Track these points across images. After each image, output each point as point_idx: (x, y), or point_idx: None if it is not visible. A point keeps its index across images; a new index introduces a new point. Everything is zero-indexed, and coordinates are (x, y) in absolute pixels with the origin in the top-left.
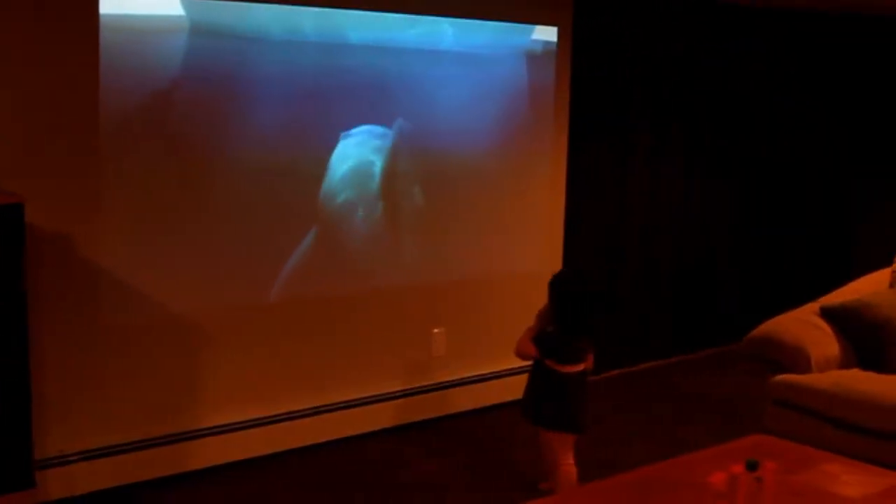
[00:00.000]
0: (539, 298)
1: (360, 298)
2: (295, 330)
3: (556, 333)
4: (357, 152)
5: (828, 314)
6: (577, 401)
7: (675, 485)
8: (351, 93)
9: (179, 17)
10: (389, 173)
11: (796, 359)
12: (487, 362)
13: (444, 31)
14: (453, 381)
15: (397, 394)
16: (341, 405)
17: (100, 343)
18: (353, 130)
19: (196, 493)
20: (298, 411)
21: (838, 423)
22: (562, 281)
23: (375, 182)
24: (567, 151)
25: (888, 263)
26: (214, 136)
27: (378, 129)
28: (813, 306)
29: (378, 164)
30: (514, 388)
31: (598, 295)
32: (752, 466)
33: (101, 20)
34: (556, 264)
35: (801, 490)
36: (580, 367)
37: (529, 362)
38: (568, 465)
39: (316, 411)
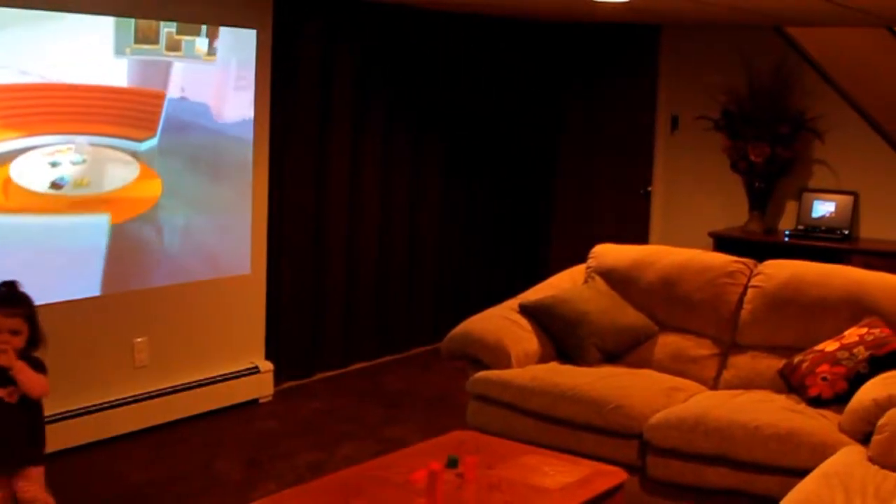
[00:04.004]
0: (245, 301)
1: (53, 309)
2: None
3: (33, 356)
4: (39, 167)
5: (526, 310)
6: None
7: (378, 484)
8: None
9: None
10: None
11: (496, 355)
12: (194, 370)
13: None
14: (158, 390)
15: (99, 406)
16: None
17: None
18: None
19: None
20: None
21: (537, 415)
22: (22, 295)
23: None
24: (269, 154)
25: (583, 260)
26: None
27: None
28: (512, 303)
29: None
30: (222, 396)
31: None
32: (452, 463)
33: None
34: (260, 268)
35: (501, 483)
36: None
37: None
38: None
39: None
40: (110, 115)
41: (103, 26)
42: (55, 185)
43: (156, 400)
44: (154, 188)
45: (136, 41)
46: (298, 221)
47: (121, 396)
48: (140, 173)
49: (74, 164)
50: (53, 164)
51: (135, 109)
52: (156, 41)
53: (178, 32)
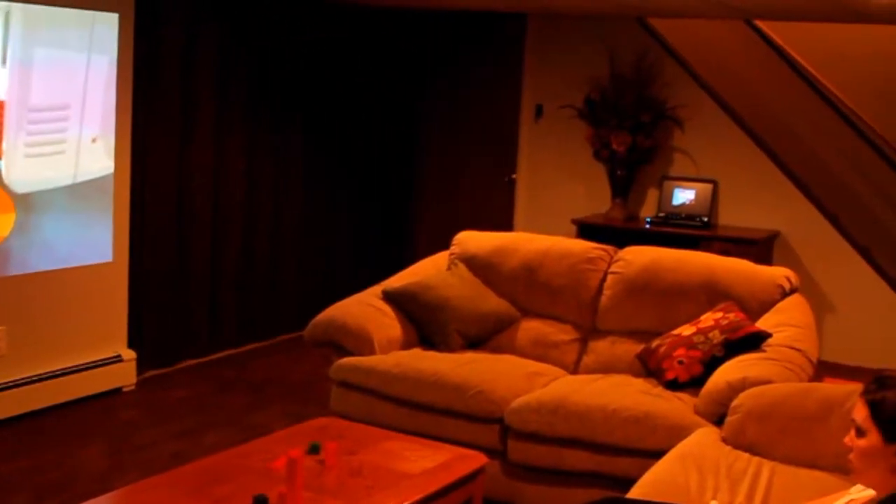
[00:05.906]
0: (106, 289)
1: None
2: None
3: None
4: None
5: (389, 297)
6: None
7: (239, 471)
8: None
9: None
10: None
11: (359, 342)
12: (54, 359)
13: None
14: (18, 380)
15: None
16: None
17: None
18: None
19: None
20: None
21: (400, 401)
22: None
23: None
24: (131, 140)
25: (447, 247)
26: None
27: None
28: (375, 290)
29: None
30: (83, 385)
31: None
32: (314, 449)
33: None
34: (123, 254)
35: (363, 468)
36: None
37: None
38: None
39: None
40: None
41: None
42: None
43: (14, 390)
44: (3, 226)
45: None
46: (161, 208)
47: None
48: None
49: None
50: None
51: None
52: None
53: None
